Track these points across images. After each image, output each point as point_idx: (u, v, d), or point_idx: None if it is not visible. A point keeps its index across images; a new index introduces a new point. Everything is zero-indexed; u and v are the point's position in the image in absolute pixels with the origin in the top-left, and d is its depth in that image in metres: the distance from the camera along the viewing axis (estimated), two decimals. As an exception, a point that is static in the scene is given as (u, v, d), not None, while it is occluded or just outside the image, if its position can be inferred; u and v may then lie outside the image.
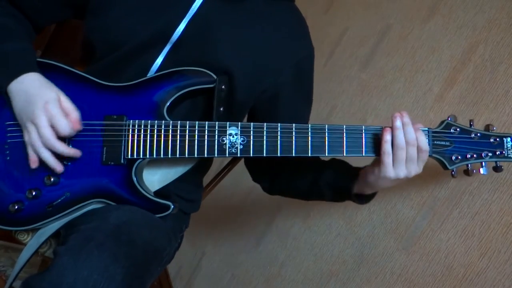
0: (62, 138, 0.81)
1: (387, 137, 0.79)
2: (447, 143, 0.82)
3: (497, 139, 0.81)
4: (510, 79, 1.02)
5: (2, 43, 0.84)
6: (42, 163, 0.83)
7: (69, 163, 0.84)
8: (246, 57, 0.90)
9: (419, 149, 0.79)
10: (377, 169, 0.81)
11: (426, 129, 0.82)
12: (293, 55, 0.95)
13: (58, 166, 0.82)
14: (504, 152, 0.81)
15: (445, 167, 0.82)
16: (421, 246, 1.08)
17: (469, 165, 0.83)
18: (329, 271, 1.31)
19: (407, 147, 0.78)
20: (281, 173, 1.01)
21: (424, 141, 0.79)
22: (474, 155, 0.81)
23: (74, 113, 0.82)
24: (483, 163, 0.82)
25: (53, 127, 0.79)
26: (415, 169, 0.80)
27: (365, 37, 1.53)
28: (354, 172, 0.89)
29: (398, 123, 0.78)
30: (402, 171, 0.79)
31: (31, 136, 0.80)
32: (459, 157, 0.82)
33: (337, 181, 0.91)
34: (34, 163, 0.82)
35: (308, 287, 1.36)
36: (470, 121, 0.84)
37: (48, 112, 0.79)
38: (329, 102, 1.56)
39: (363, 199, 0.91)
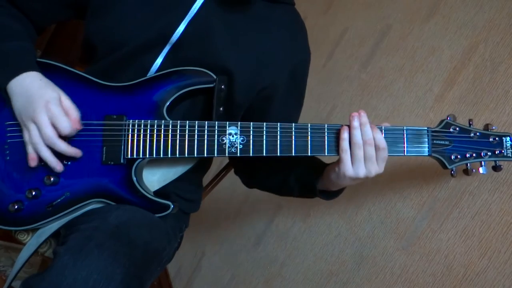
0: (62, 138, 0.81)
1: (344, 135, 0.81)
2: (447, 143, 0.82)
3: (496, 139, 0.81)
4: (510, 79, 1.02)
5: (2, 42, 0.84)
6: (42, 162, 0.83)
7: (69, 163, 0.84)
8: (245, 58, 0.91)
9: (377, 147, 0.80)
10: (337, 167, 0.82)
11: (426, 128, 0.82)
12: (290, 58, 0.96)
13: (58, 165, 0.82)
14: (503, 151, 0.81)
15: (444, 167, 0.82)
16: (421, 246, 1.08)
17: (468, 165, 0.83)
18: (329, 271, 1.31)
19: (364, 146, 0.79)
20: (259, 169, 1.04)
21: (381, 139, 0.80)
22: (474, 155, 0.81)
23: (75, 112, 0.82)
24: (483, 162, 0.82)
25: (54, 126, 0.80)
26: (375, 168, 0.81)
27: (365, 37, 1.53)
28: (320, 169, 0.91)
29: (355, 122, 0.81)
30: (361, 170, 0.80)
31: (32, 135, 0.80)
32: (459, 156, 0.82)
33: (303, 178, 0.94)
34: (33, 161, 0.82)
35: (308, 287, 1.36)
36: (470, 120, 0.84)
37: (49, 111, 0.79)
38: (329, 102, 1.56)
39: (329, 195, 0.93)
